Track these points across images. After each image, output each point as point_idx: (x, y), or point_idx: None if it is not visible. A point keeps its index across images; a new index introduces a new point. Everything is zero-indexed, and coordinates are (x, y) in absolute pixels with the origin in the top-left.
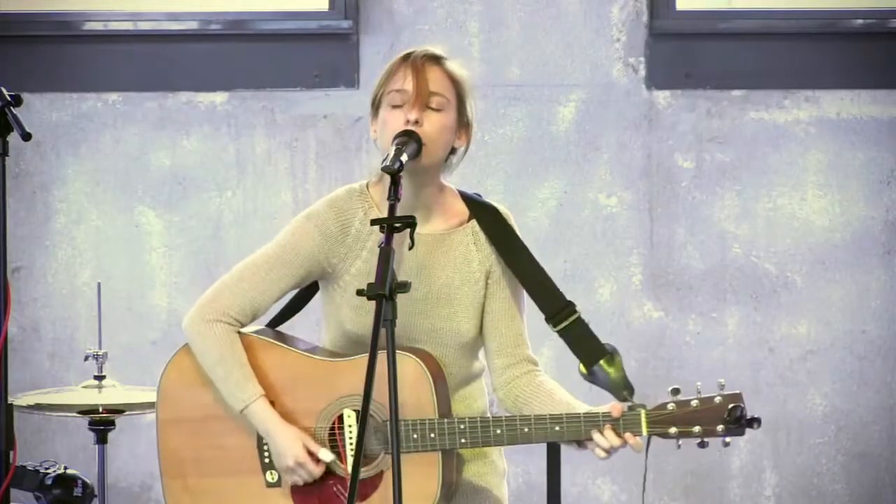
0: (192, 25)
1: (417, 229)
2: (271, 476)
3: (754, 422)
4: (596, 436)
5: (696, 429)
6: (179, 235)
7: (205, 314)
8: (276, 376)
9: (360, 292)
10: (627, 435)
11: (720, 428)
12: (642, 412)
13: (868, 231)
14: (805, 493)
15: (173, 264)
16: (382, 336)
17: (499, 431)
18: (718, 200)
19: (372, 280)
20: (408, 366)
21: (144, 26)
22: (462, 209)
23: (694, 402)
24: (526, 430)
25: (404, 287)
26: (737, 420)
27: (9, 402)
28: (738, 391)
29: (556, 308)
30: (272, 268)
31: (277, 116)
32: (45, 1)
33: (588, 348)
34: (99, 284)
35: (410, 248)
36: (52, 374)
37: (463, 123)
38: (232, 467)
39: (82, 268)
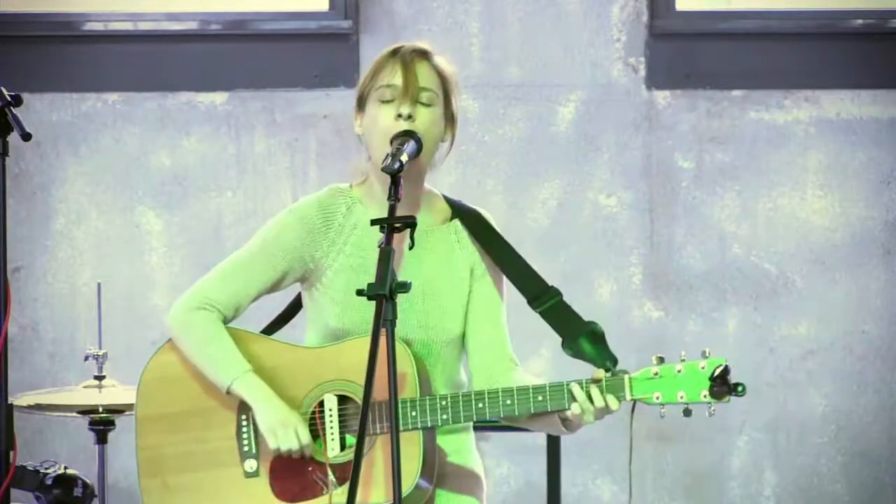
0: (192, 25)
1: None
2: (249, 466)
3: (738, 386)
4: (577, 391)
5: (680, 394)
6: (179, 235)
7: (188, 304)
8: (259, 365)
9: (360, 292)
10: (609, 397)
11: (704, 394)
12: (626, 377)
13: (868, 231)
14: (805, 493)
15: (173, 264)
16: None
17: (481, 405)
18: (718, 200)
19: (355, 277)
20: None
21: (144, 26)
22: (445, 208)
23: (678, 368)
24: (508, 402)
25: (404, 287)
26: (721, 384)
27: (9, 402)
28: (722, 357)
29: (538, 291)
30: (254, 260)
31: (277, 116)
32: (45, 1)
33: (569, 326)
34: (99, 284)
35: (411, 248)
36: (52, 374)
37: (448, 118)
38: (210, 460)
39: (82, 268)
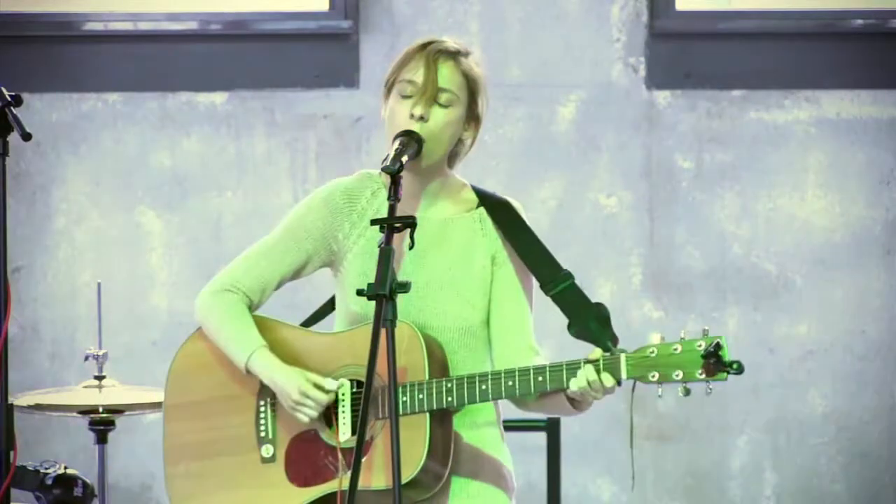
0: (192, 25)
1: (423, 213)
2: (266, 451)
3: (733, 364)
4: (574, 371)
5: (677, 373)
6: (179, 235)
7: (214, 287)
8: (280, 350)
9: (359, 292)
10: (604, 376)
11: (699, 372)
12: (622, 355)
13: (868, 231)
14: (805, 493)
15: (173, 264)
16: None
17: (484, 387)
18: (718, 200)
19: (375, 263)
20: (402, 330)
21: (144, 26)
22: (471, 197)
23: (675, 347)
24: (510, 382)
25: (404, 287)
26: (715, 361)
27: (9, 402)
28: (720, 335)
29: (551, 274)
30: (280, 243)
31: (277, 116)
32: (45, 1)
33: (579, 308)
34: (99, 284)
35: (411, 248)
36: (52, 374)
37: (472, 117)
38: (229, 447)
39: (82, 268)
